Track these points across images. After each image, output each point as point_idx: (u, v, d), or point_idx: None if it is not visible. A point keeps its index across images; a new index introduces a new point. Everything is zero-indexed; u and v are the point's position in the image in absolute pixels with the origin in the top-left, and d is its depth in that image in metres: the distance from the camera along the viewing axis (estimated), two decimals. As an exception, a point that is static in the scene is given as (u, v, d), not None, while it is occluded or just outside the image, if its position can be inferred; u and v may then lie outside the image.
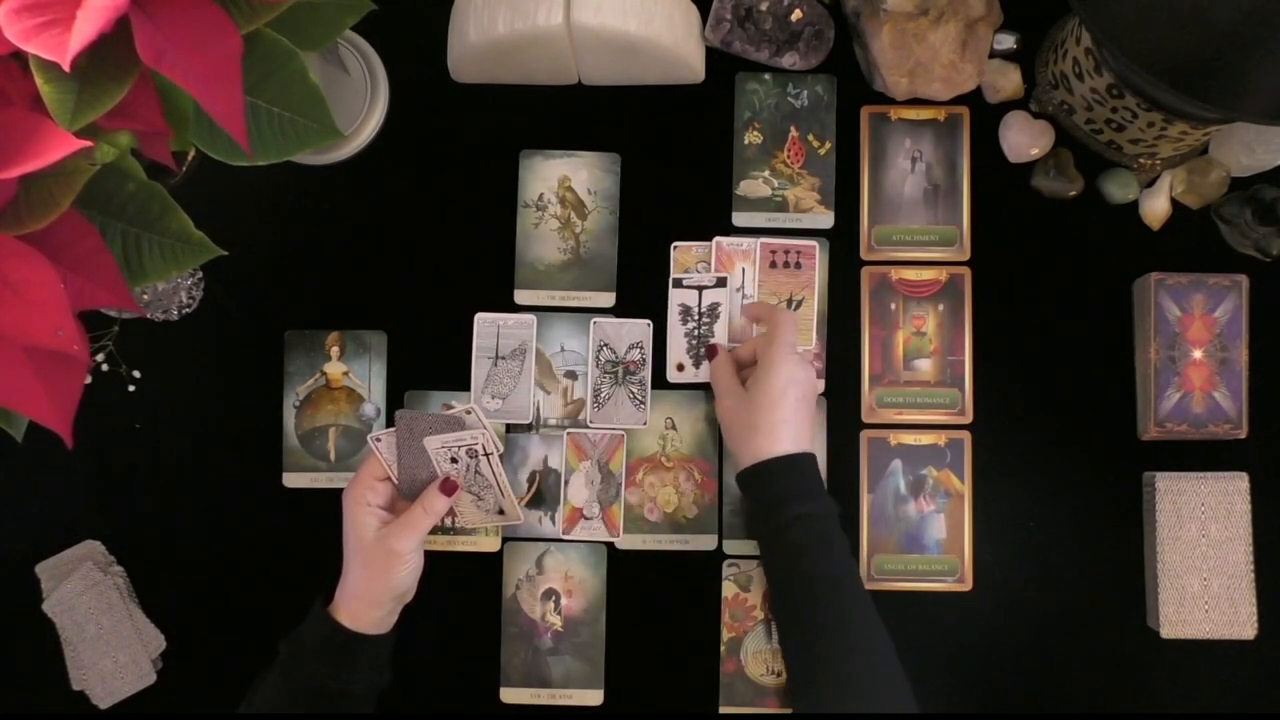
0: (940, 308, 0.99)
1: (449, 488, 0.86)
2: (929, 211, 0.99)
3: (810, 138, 1.00)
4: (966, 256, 0.99)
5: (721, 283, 0.98)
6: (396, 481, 0.87)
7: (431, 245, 1.00)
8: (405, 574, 0.85)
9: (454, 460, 0.86)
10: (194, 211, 0.71)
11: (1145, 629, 0.96)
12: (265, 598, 0.97)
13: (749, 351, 0.94)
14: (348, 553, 0.86)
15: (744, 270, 0.99)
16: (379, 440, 0.86)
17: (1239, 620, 0.93)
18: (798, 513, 0.85)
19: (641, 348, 0.98)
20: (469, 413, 0.85)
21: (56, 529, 0.97)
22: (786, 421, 0.87)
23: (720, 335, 0.98)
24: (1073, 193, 0.98)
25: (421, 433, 0.85)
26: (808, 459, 0.88)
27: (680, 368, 0.98)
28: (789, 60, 0.98)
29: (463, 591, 0.97)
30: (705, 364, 0.96)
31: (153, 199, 0.70)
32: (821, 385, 0.98)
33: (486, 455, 0.87)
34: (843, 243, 0.99)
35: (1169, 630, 0.93)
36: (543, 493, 0.98)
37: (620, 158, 1.00)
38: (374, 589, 0.84)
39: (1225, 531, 0.93)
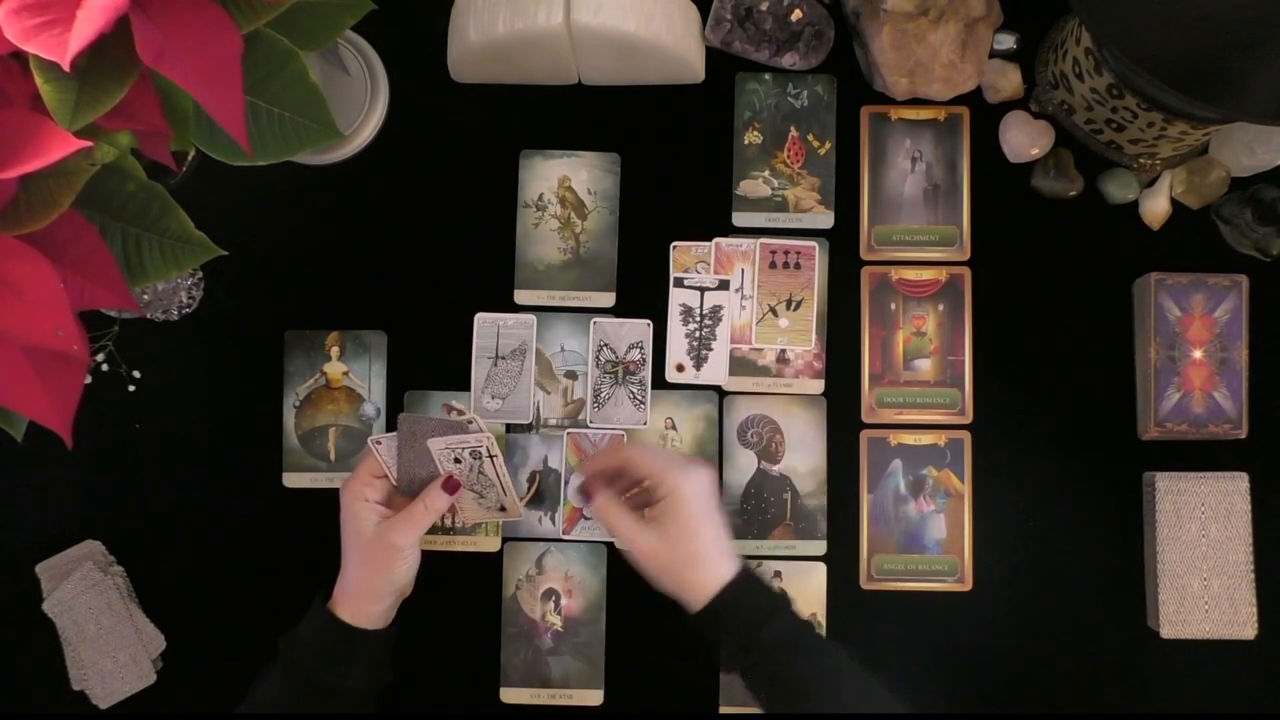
0: (940, 308, 0.99)
1: (451, 486, 0.86)
2: (929, 211, 0.99)
3: (810, 138, 1.00)
4: (966, 256, 0.99)
5: (724, 285, 0.98)
6: (395, 481, 0.87)
7: (431, 245, 1.00)
8: (404, 569, 0.85)
9: (457, 461, 0.86)
10: (194, 211, 0.71)
11: (1145, 629, 0.96)
12: (265, 598, 0.97)
13: (628, 483, 0.87)
14: (346, 548, 0.86)
15: (743, 271, 0.99)
16: (379, 444, 0.86)
17: (1239, 620, 0.93)
18: (771, 640, 0.79)
19: (641, 348, 0.98)
20: (470, 423, 0.85)
21: (56, 529, 0.97)
22: (714, 540, 0.81)
23: (722, 338, 0.98)
24: (1073, 193, 0.98)
25: (424, 435, 0.85)
26: (747, 571, 0.82)
27: (680, 368, 0.98)
28: (789, 60, 0.98)
29: (463, 591, 0.97)
30: (704, 366, 0.93)
31: (153, 199, 0.70)
32: (822, 385, 0.98)
33: (491, 457, 0.87)
34: (843, 243, 0.99)
35: (1169, 630, 0.93)
36: (543, 493, 0.98)
37: (620, 158, 1.00)
38: (373, 584, 0.84)
39: (1225, 531, 0.93)
